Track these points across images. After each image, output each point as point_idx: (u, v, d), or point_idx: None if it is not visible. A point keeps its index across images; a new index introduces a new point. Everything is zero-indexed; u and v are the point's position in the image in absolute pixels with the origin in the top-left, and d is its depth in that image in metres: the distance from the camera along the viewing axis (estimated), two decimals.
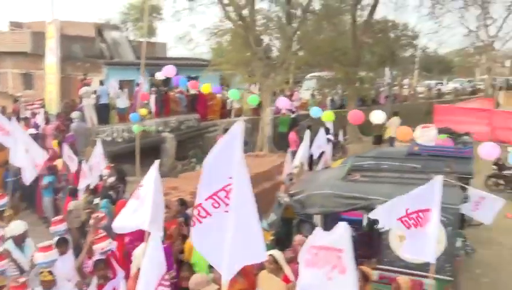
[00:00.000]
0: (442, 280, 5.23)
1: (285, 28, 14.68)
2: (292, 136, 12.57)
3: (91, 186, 7.63)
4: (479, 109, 19.99)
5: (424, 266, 5.22)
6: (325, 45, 16.77)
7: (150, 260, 3.70)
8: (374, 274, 5.54)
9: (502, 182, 11.57)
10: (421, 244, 4.62)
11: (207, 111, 18.32)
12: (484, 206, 5.49)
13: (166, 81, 21.06)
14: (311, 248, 3.66)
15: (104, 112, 14.19)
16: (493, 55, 26.51)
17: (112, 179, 7.27)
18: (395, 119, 15.01)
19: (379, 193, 5.32)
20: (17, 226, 5.26)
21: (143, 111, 11.64)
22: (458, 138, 7.58)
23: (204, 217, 3.58)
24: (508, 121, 18.20)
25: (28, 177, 6.28)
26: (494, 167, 11.62)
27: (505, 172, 11.34)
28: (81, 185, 7.28)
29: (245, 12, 14.16)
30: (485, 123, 18.55)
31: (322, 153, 7.37)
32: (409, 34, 39.22)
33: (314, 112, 7.81)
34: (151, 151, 15.75)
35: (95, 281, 4.67)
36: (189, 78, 21.65)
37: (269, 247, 5.81)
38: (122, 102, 14.70)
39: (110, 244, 4.92)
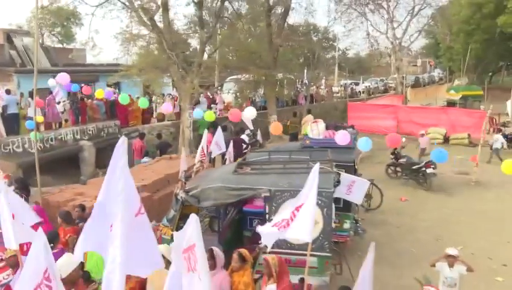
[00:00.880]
0: (322, 257, 5.89)
1: (200, 33, 15.06)
2: (209, 137, 12.92)
3: None
4: (386, 105, 21.82)
5: (306, 246, 5.85)
6: (241, 48, 17.39)
7: (30, 262, 3.73)
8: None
9: (399, 169, 12.84)
10: (299, 226, 5.11)
11: (128, 117, 18.16)
12: (355, 188, 6.23)
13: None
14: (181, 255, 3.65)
15: (13, 122, 13.60)
16: (400, 55, 28.90)
17: (11, 189, 7.13)
18: (309, 117, 15.98)
19: (264, 182, 5.86)
20: None
21: (39, 118, 11.37)
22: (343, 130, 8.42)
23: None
24: (411, 115, 20.08)
25: None
26: (392, 156, 12.87)
27: (401, 160, 12.60)
28: None
29: (158, 17, 14.33)
30: (392, 118, 20.30)
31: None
32: (329, 36, 41.63)
33: (196, 113, 8.28)
34: (69, 160, 15.38)
35: None
36: (109, 85, 21.37)
37: (169, 241, 6.15)
38: (34, 111, 14.14)
39: (8, 277, 4.54)
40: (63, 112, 15.80)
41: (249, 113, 7.68)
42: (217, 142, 7.79)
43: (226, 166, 6.96)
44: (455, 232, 9.12)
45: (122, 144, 3.60)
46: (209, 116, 8.31)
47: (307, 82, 22.08)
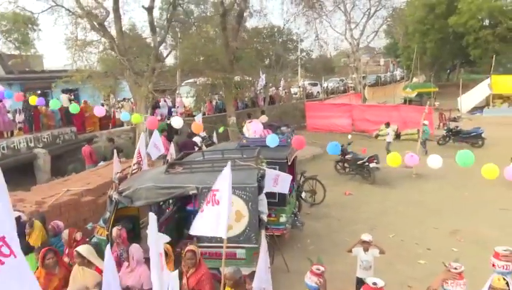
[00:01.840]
0: (250, 248, 6.23)
1: (152, 38, 15.25)
2: (162, 140, 13.10)
3: None
4: (341, 104, 22.57)
5: (236, 238, 6.19)
6: (196, 52, 17.62)
7: None
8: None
9: (346, 165, 13.41)
10: (214, 221, 4.92)
11: (85, 123, 18.10)
12: (280, 181, 6.62)
13: (43, 95, 20.27)
14: None
15: None
16: (358, 56, 29.82)
17: None
18: (263, 117, 16.40)
19: (192, 181, 6.18)
20: None
21: None
22: (277, 130, 8.85)
23: None
24: (365, 113, 20.84)
25: None
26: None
27: (347, 156, 13.16)
28: None
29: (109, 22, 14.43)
30: (347, 116, 21.01)
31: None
32: (293, 38, 42.30)
33: (123, 116, 8.58)
34: (23, 168, 15.22)
35: None
36: (67, 91, 21.16)
37: (105, 241, 6.35)
38: None
39: None
40: (13, 120, 15.62)
41: (176, 122, 8.03)
42: (155, 145, 8.04)
43: (160, 167, 7.24)
44: (391, 222, 9.68)
45: None
46: (136, 118, 8.57)
47: (263, 84, 22.53)
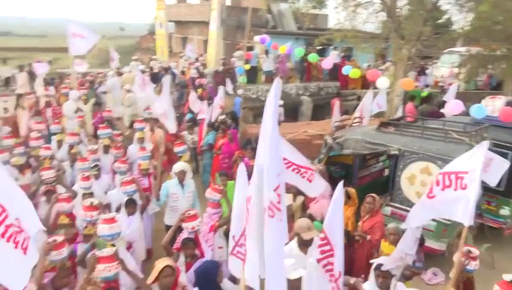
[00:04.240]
0: (441, 222, 5.99)
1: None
2: (409, 106, 12.95)
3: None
4: None
5: None
6: (480, 16, 15.68)
7: None
8: (387, 210, 6.61)
9: None
10: (457, 205, 4.28)
11: (348, 80, 19.44)
12: (493, 168, 5.79)
13: (323, 50, 22.76)
14: None
15: (252, 73, 16.92)
16: None
17: (222, 116, 9.74)
18: None
19: (397, 142, 6.33)
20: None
21: (247, 66, 14.01)
22: None
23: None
24: None
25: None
26: None
27: None
28: (200, 116, 10.09)
29: None
30: None
31: None
32: None
33: (345, 69, 8.67)
34: (290, 111, 18.12)
35: (182, 258, 4.53)
36: (343, 49, 22.90)
37: None
38: (267, 65, 17.20)
39: (200, 223, 4.80)
40: (292, 70, 18.48)
41: (381, 84, 7.91)
42: (378, 103, 8.32)
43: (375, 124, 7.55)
44: None
45: (277, 84, 2.99)
46: (354, 73, 8.76)
47: None
